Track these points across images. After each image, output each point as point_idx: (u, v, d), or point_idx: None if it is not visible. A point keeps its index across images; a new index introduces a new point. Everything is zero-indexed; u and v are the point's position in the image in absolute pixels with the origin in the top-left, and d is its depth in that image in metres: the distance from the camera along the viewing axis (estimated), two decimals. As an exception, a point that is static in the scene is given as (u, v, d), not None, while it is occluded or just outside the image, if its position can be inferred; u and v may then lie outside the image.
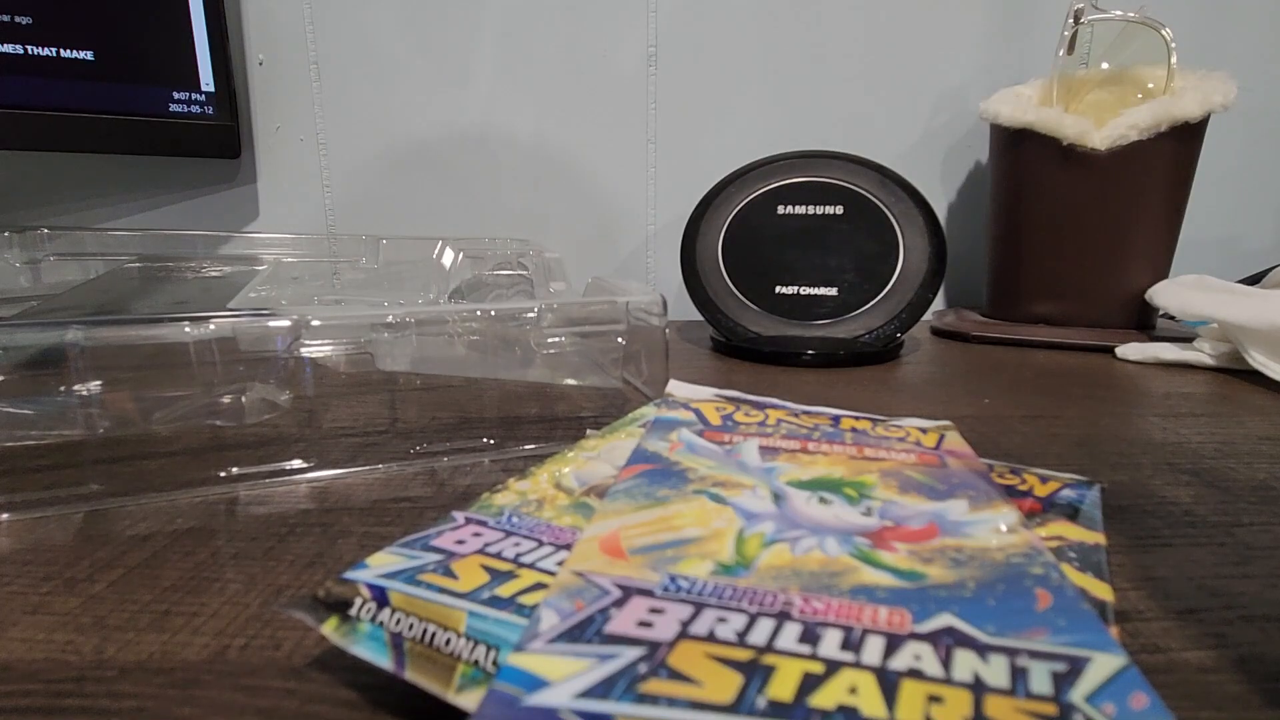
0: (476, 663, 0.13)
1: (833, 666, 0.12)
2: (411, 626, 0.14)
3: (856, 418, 0.27)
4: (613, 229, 0.65)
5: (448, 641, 0.13)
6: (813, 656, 0.13)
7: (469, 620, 0.14)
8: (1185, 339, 0.46)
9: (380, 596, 0.15)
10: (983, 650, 0.13)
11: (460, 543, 0.17)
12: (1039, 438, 0.30)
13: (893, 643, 0.13)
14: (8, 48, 0.44)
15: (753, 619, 0.14)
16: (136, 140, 0.50)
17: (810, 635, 0.13)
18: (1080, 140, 0.49)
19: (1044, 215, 0.53)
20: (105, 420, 0.24)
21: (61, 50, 0.46)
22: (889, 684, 0.12)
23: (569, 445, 0.24)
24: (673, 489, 0.20)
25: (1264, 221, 0.68)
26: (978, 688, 0.12)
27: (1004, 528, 0.18)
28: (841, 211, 0.48)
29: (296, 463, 0.26)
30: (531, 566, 0.16)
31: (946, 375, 0.42)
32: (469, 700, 0.12)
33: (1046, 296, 0.54)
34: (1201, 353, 0.43)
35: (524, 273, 0.47)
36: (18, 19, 0.44)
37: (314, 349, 0.26)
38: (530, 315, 0.28)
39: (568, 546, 0.17)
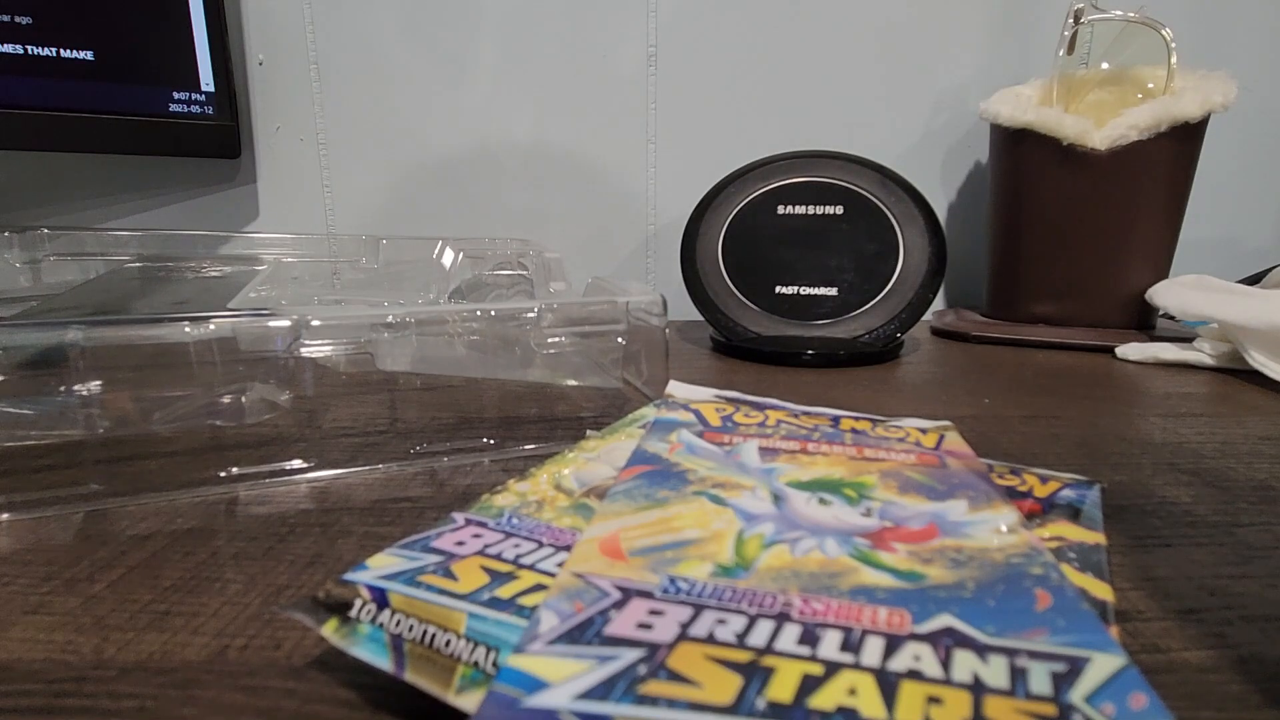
0: (476, 664, 0.13)
1: (832, 668, 0.12)
2: (411, 628, 0.14)
3: (856, 418, 0.27)
4: (613, 229, 0.65)
5: (448, 643, 0.13)
6: (812, 658, 0.13)
7: (469, 622, 0.14)
8: (1185, 339, 0.46)
9: (380, 598, 0.15)
10: (982, 651, 0.13)
11: (460, 544, 0.17)
12: (1039, 438, 0.30)
13: (892, 644, 0.13)
14: (8, 48, 0.44)
15: (752, 620, 0.14)
16: (136, 140, 0.49)
17: (810, 636, 0.13)
18: (1080, 140, 0.49)
19: (1044, 215, 0.53)
20: (105, 420, 0.24)
21: (61, 50, 0.46)
22: (888, 685, 0.12)
23: (569, 446, 0.24)
24: (672, 490, 0.20)
25: (1264, 221, 0.68)
26: (977, 688, 0.12)
27: (1004, 528, 0.18)
28: (841, 211, 0.48)
29: (296, 463, 0.26)
30: (531, 568, 0.16)
31: (946, 375, 0.42)
32: (469, 701, 0.12)
33: (1046, 296, 0.54)
34: (1201, 353, 0.43)
35: (524, 273, 0.47)
36: (18, 19, 0.44)
37: (314, 349, 0.26)
38: (530, 315, 0.28)
39: (567, 548, 0.17)
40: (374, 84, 0.60)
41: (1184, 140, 0.49)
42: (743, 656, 0.13)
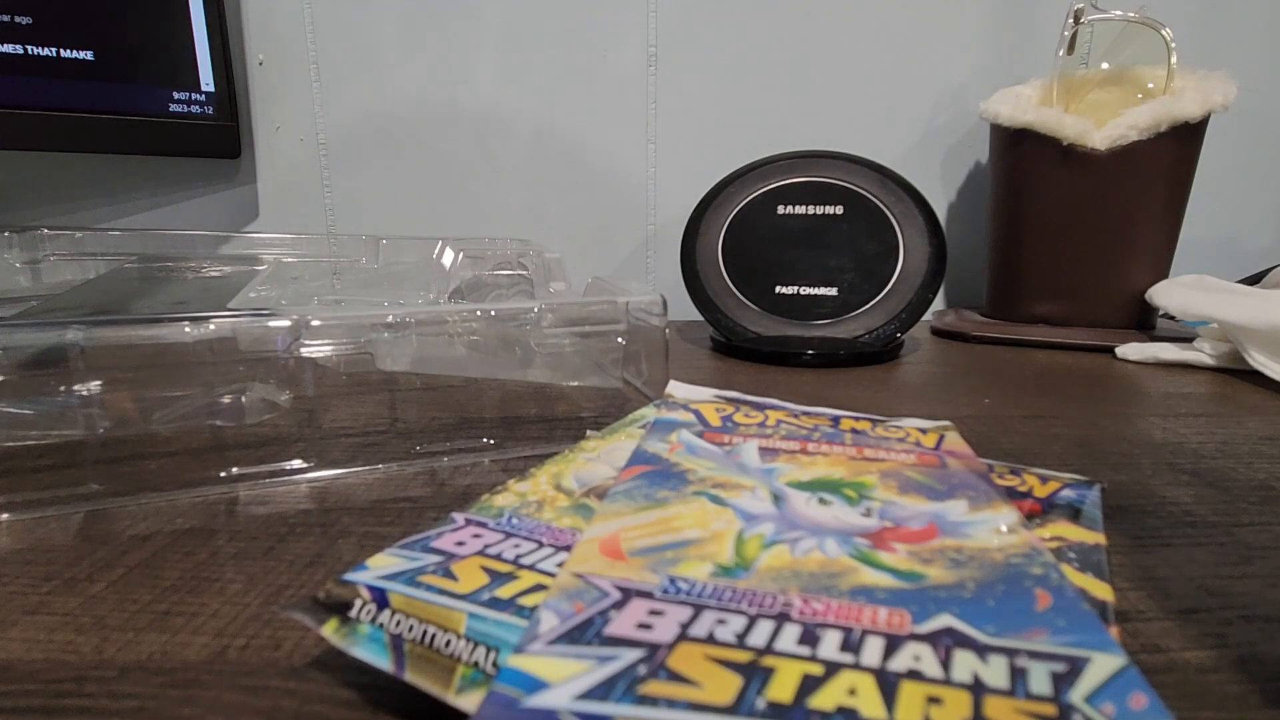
0: (476, 664, 0.13)
1: (832, 668, 0.12)
2: (411, 628, 0.14)
3: (856, 418, 0.27)
4: (613, 229, 0.65)
5: (447, 643, 0.13)
6: (812, 658, 0.13)
7: (469, 622, 0.14)
8: (1185, 339, 0.46)
9: (380, 598, 0.15)
10: (982, 651, 0.13)
11: (460, 544, 0.17)
12: (1039, 438, 0.30)
13: (892, 644, 0.13)
14: (8, 48, 0.44)
15: (752, 620, 0.14)
16: (136, 140, 0.49)
17: (810, 637, 0.13)
18: (1080, 140, 0.49)
19: (1044, 215, 0.53)
20: (105, 420, 0.24)
21: (61, 50, 0.46)
22: (888, 685, 0.12)
23: (569, 446, 0.24)
24: (672, 490, 0.20)
25: (1264, 221, 0.68)
26: (977, 688, 0.12)
27: (1004, 528, 0.18)
28: (841, 211, 0.48)
29: (296, 463, 0.26)
30: (531, 568, 0.16)
31: (946, 375, 0.42)
32: (469, 702, 0.12)
33: (1046, 296, 0.54)
34: (1201, 353, 0.43)
35: (524, 273, 0.47)
36: (18, 19, 0.44)
37: (314, 349, 0.26)
38: (530, 315, 0.28)
39: (567, 548, 0.17)
40: (374, 84, 0.60)
41: (1184, 140, 0.49)
42: (743, 656, 0.13)
